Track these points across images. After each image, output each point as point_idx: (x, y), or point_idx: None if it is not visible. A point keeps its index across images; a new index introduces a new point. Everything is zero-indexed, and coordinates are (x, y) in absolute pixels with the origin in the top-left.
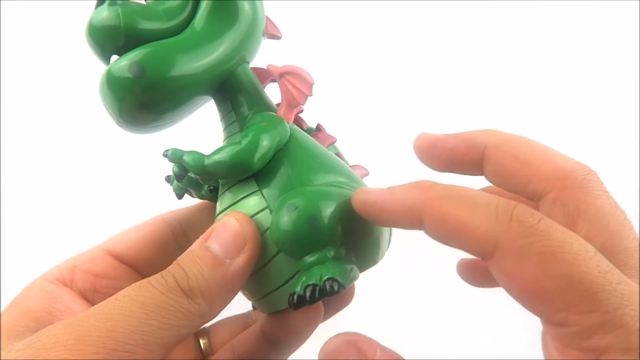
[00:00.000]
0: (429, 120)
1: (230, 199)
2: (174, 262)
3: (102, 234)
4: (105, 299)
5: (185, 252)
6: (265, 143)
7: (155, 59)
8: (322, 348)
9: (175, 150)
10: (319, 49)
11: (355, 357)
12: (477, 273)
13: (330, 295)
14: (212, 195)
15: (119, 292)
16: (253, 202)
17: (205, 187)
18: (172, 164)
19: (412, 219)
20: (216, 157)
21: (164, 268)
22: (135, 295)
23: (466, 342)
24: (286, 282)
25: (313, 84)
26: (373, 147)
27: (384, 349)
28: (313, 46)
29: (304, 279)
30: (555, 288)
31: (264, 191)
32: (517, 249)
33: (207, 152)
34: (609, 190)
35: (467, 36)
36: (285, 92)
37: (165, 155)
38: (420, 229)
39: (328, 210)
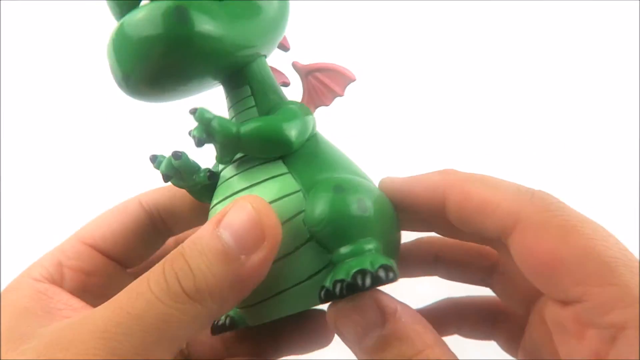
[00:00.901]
0: (430, 121)
1: (246, 180)
2: (178, 249)
3: (72, 214)
4: (96, 297)
5: (192, 238)
6: (302, 123)
7: (201, 12)
8: (331, 308)
9: (203, 109)
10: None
11: (374, 314)
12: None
13: (385, 283)
14: (207, 185)
15: (115, 300)
16: (281, 184)
17: (203, 172)
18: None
19: (434, 200)
20: (253, 127)
21: (147, 257)
22: (133, 309)
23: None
24: (309, 278)
25: (353, 80)
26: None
27: (403, 305)
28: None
29: (347, 266)
30: (576, 259)
31: (295, 175)
32: (539, 222)
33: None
34: (565, 204)
35: (469, 38)
36: (309, 91)
37: (192, 113)
38: (441, 213)
39: (372, 200)
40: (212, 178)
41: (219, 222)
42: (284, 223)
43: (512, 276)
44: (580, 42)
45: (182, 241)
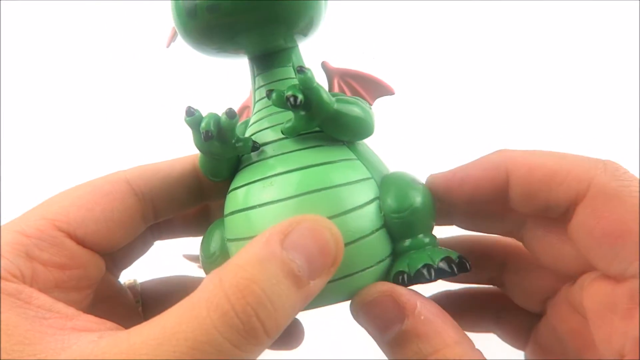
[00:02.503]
0: (434, 121)
1: (312, 157)
2: (239, 273)
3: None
4: (69, 290)
5: (255, 257)
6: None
7: None
8: (356, 297)
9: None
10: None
11: (394, 309)
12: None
13: (466, 271)
14: (248, 155)
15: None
16: (354, 170)
17: (248, 141)
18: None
19: (497, 179)
20: (348, 108)
21: (124, 244)
22: (200, 353)
23: None
24: (375, 264)
25: (392, 94)
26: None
27: (425, 301)
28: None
29: (428, 253)
30: None
31: (364, 161)
32: (613, 190)
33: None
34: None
35: (477, 38)
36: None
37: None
38: (503, 194)
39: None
40: (255, 149)
41: (281, 241)
42: (362, 206)
43: (525, 274)
44: (580, 45)
45: None
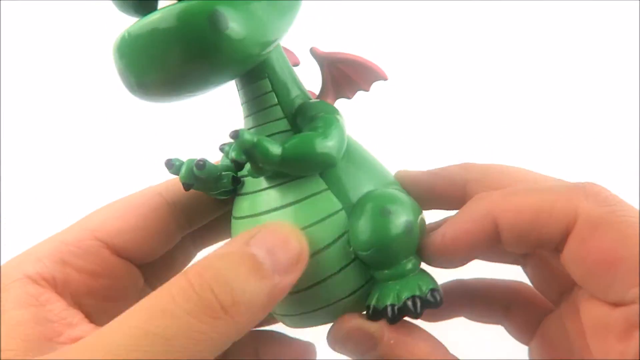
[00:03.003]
0: (434, 120)
1: (281, 196)
2: (203, 263)
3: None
4: (101, 300)
5: (219, 252)
6: (341, 135)
7: (236, 15)
8: (329, 335)
9: (245, 132)
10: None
11: (365, 341)
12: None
13: (436, 307)
14: (231, 190)
15: (129, 319)
16: (324, 202)
17: (227, 178)
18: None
19: (487, 230)
20: (298, 149)
21: (160, 254)
22: (156, 328)
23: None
24: (351, 293)
25: (385, 79)
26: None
27: (390, 328)
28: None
29: (397, 288)
30: (636, 259)
31: (335, 190)
32: (599, 217)
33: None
34: (620, 198)
35: (470, 37)
36: (330, 81)
37: (233, 137)
38: (497, 241)
39: (414, 216)
40: (236, 183)
41: (247, 241)
42: (329, 245)
43: (549, 261)
44: (592, 43)
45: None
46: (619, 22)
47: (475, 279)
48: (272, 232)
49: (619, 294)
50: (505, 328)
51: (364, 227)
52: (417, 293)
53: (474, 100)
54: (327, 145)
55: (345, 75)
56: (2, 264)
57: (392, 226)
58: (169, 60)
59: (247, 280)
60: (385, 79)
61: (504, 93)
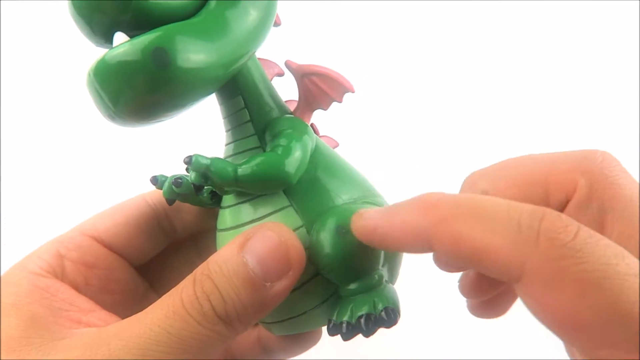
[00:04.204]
0: (430, 123)
1: (251, 213)
2: (204, 271)
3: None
4: (98, 291)
5: (216, 260)
6: (301, 153)
7: (180, 47)
8: None
9: (198, 156)
10: (316, 40)
11: None
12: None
13: (388, 326)
14: (213, 202)
15: (149, 316)
16: (285, 219)
17: (206, 192)
18: (185, 169)
19: (420, 246)
20: (251, 169)
21: (151, 254)
22: (171, 328)
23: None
24: (316, 306)
25: (352, 91)
26: (374, 151)
27: None
28: (311, 38)
29: (352, 306)
30: (599, 321)
31: (297, 206)
32: (549, 275)
33: (204, 152)
34: (627, 170)
35: (467, 38)
36: (306, 93)
37: (187, 163)
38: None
39: None
40: (215, 197)
41: (242, 245)
42: None
43: None
44: (585, 43)
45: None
46: (619, 22)
47: None
48: (264, 238)
49: (587, 354)
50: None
51: (321, 245)
52: (372, 311)
53: (470, 101)
54: (282, 165)
55: (318, 87)
56: (2, 263)
57: (348, 245)
58: (130, 94)
59: (238, 292)
60: (352, 91)
61: (501, 94)
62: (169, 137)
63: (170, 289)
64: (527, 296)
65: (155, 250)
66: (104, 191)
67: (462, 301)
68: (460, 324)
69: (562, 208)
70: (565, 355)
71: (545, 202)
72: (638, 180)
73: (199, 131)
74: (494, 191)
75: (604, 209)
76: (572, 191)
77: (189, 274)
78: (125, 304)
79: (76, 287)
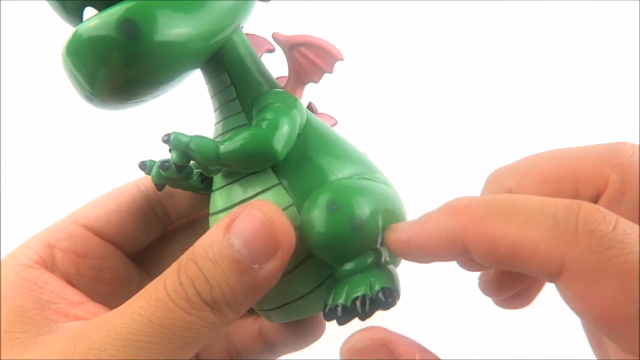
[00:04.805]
0: (435, 117)
1: (240, 193)
2: (189, 256)
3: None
4: (91, 281)
5: (202, 243)
6: (288, 127)
7: (150, 18)
8: (346, 343)
9: (177, 134)
10: (310, 15)
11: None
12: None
13: (386, 307)
14: (204, 186)
15: (131, 305)
16: (274, 198)
17: (196, 176)
18: (169, 151)
19: (456, 251)
20: (234, 145)
21: (145, 242)
22: (153, 316)
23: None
24: (313, 290)
25: (341, 59)
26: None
27: (424, 351)
28: (304, 13)
29: (347, 288)
30: None
31: (287, 184)
32: (591, 268)
33: (192, 132)
34: None
35: (468, 36)
36: (295, 66)
37: (165, 141)
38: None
39: (370, 209)
40: (205, 181)
41: (228, 227)
42: None
43: None
44: (583, 43)
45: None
46: (619, 22)
47: None
48: (249, 217)
49: (631, 350)
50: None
51: (311, 223)
52: (368, 292)
53: (470, 100)
54: (268, 140)
55: (308, 58)
56: None
57: (338, 224)
58: (105, 71)
59: (225, 276)
60: (341, 59)
61: (500, 93)
62: (160, 121)
63: None
64: (568, 291)
65: (150, 238)
66: (95, 179)
67: (469, 291)
68: (466, 313)
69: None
70: (566, 356)
71: (576, 198)
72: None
73: (191, 115)
74: (520, 189)
75: (638, 202)
76: (603, 186)
77: None
78: (119, 294)
79: (67, 278)
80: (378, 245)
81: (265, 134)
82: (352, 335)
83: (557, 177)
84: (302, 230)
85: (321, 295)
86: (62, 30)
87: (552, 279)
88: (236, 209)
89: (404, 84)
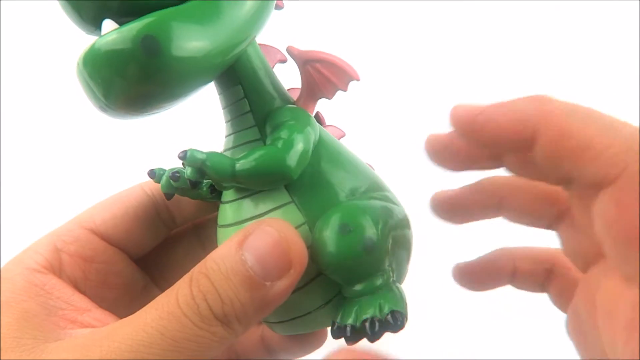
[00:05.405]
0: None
1: (251, 208)
2: (201, 269)
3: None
4: (97, 286)
5: (214, 257)
6: (303, 145)
7: (171, 34)
8: None
9: (193, 151)
10: (321, 24)
11: None
12: (474, 276)
13: (395, 330)
14: (213, 196)
15: (142, 317)
16: (286, 216)
17: (205, 187)
18: (182, 164)
19: (523, 134)
20: (250, 164)
21: (150, 246)
22: (164, 329)
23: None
24: (320, 306)
25: (357, 79)
26: (378, 141)
27: None
28: (315, 22)
29: (356, 308)
30: None
31: (299, 202)
32: None
33: (203, 141)
34: None
35: (469, 35)
36: (309, 82)
37: (181, 158)
38: (529, 151)
39: (381, 231)
40: (215, 191)
41: (241, 243)
42: None
43: (579, 230)
44: (581, 43)
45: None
46: (619, 22)
47: (521, 247)
48: (264, 234)
49: (633, 271)
50: (549, 297)
51: (323, 244)
52: (377, 314)
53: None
54: (283, 159)
55: (322, 75)
56: (2, 263)
57: (350, 246)
58: (112, 89)
59: (237, 292)
60: (357, 79)
61: (512, 85)
62: (166, 125)
63: (173, 281)
64: (611, 200)
65: (155, 242)
66: (100, 181)
67: (469, 304)
68: (468, 327)
69: (599, 183)
70: (566, 356)
71: (587, 166)
72: None
73: (198, 120)
74: (547, 128)
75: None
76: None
77: (191, 266)
78: (125, 298)
79: (74, 282)
80: (387, 266)
81: (281, 154)
82: (334, 353)
83: (582, 144)
84: (313, 249)
85: (328, 311)
86: (77, 37)
87: (601, 186)
88: (250, 225)
89: (411, 96)
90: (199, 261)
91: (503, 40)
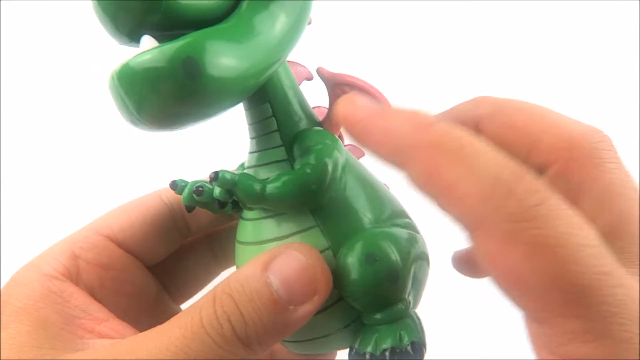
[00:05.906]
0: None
1: (274, 229)
2: (225, 289)
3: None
4: (112, 294)
5: (238, 278)
6: (331, 169)
7: (212, 56)
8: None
9: (224, 172)
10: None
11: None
12: (473, 263)
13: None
14: (234, 210)
15: (166, 334)
16: (310, 240)
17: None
18: (210, 183)
19: (393, 158)
20: (279, 189)
21: (164, 255)
22: (188, 349)
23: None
24: (338, 330)
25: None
26: None
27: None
28: (342, 37)
29: (376, 336)
30: (540, 285)
31: (324, 227)
32: (505, 233)
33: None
34: (622, 161)
35: (467, 34)
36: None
37: (212, 179)
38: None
39: (406, 261)
40: (236, 207)
41: (266, 265)
42: None
43: None
44: (583, 43)
45: None
46: (619, 22)
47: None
48: (291, 259)
49: (527, 312)
50: None
51: (347, 272)
52: (397, 345)
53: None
54: (312, 185)
55: None
56: (2, 264)
57: (376, 274)
58: (146, 106)
59: (260, 314)
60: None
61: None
62: (184, 133)
63: (184, 290)
64: (481, 247)
65: (169, 251)
66: (113, 187)
67: (469, 304)
68: (468, 327)
69: (541, 169)
70: None
71: (528, 155)
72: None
73: (219, 129)
74: (490, 121)
75: (582, 187)
76: (554, 159)
77: (202, 275)
78: (138, 306)
79: (91, 290)
80: (407, 296)
81: (311, 179)
82: None
83: (527, 131)
84: (337, 276)
85: (346, 335)
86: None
87: (468, 231)
88: (276, 247)
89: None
90: (209, 270)
91: (503, 40)
